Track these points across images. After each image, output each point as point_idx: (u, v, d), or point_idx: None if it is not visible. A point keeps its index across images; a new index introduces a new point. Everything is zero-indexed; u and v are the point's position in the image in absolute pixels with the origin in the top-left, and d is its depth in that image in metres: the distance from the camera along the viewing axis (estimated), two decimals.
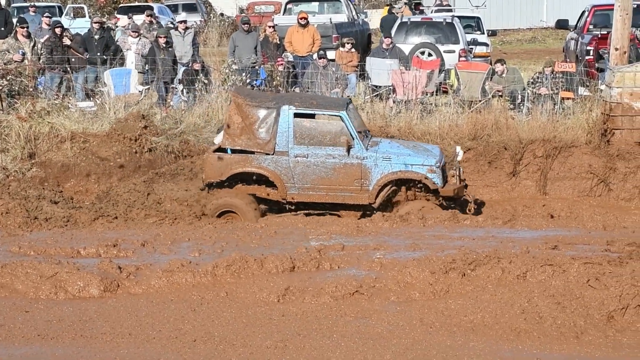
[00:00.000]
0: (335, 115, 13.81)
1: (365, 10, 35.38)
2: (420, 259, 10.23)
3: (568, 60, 23.13)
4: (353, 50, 20.90)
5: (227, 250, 10.78)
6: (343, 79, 19.16)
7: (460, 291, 9.60)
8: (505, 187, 16.08)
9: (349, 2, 27.74)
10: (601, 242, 11.21)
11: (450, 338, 8.72)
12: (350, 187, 13.68)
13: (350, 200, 13.72)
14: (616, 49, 17.60)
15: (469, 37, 25.33)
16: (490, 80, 19.36)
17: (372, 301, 9.50)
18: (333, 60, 20.37)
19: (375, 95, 18.97)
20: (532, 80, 19.35)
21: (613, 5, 17.79)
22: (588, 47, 22.08)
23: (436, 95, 19.14)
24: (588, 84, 19.56)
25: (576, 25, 25.47)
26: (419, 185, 13.89)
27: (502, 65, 19.57)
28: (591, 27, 23.71)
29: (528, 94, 18.93)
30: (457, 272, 9.84)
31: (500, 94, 19.01)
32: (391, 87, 19.30)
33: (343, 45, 20.91)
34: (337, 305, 9.42)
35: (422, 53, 22.31)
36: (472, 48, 24.51)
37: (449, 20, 23.85)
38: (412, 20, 24.36)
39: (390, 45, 20.70)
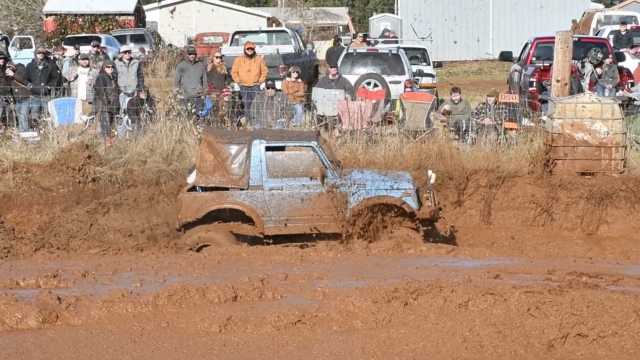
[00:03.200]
0: (306, 146, 13.88)
1: (313, 42, 35.56)
2: (363, 288, 10.20)
3: (512, 91, 23.38)
4: (299, 80, 20.96)
5: (169, 280, 10.67)
6: (289, 109, 19.20)
7: (402, 320, 9.59)
8: (450, 217, 16.17)
9: (296, 33, 27.87)
10: (542, 271, 11.27)
11: None
12: (327, 216, 13.70)
13: (327, 229, 13.72)
14: (558, 81, 17.88)
15: (415, 68, 25.53)
16: (444, 108, 19.52)
17: (314, 331, 9.46)
18: (280, 90, 20.41)
19: (320, 125, 19.02)
20: (476, 111, 19.53)
21: (554, 38, 18.08)
22: (531, 79, 22.36)
23: (381, 125, 19.23)
24: (531, 114, 19.78)
25: (520, 57, 25.79)
26: (394, 210, 13.94)
27: (459, 94, 19.75)
28: (534, 59, 24.01)
29: (472, 124, 19.10)
30: (400, 301, 9.83)
31: (444, 124, 19.16)
32: (337, 117, 19.35)
33: (289, 75, 20.96)
34: (279, 335, 9.36)
35: (368, 83, 22.43)
36: (418, 79, 24.70)
37: (395, 52, 24.02)
38: (358, 51, 24.49)
39: (336, 76, 20.80)
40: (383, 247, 12.95)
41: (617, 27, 30.84)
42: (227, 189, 13.73)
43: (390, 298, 9.87)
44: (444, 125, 19.08)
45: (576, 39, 22.22)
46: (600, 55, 21.57)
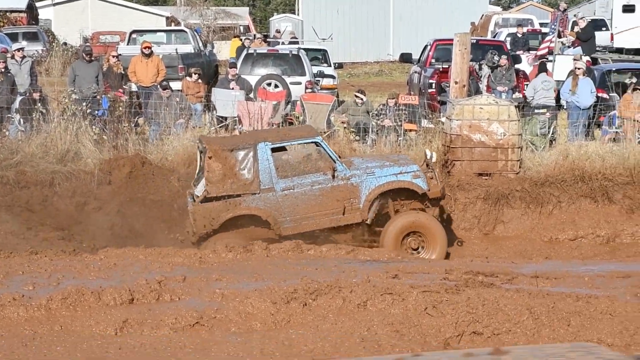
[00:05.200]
0: (311, 142, 13.92)
1: (213, 42, 35.35)
2: (263, 290, 10.15)
3: (412, 92, 23.61)
4: (200, 80, 20.80)
5: (63, 283, 10.43)
6: (188, 109, 19.02)
7: (301, 321, 9.57)
8: None
9: (195, 33, 27.66)
10: (440, 271, 11.38)
11: None
12: (341, 208, 13.76)
13: (343, 221, 13.79)
14: (456, 83, 18.09)
15: (316, 69, 25.58)
16: (348, 109, 19.57)
17: (212, 332, 9.37)
18: (180, 90, 20.21)
19: (220, 126, 18.88)
20: (376, 112, 19.63)
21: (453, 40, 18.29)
22: (430, 81, 22.61)
23: (282, 126, 19.17)
24: (430, 116, 19.98)
25: (419, 59, 26.06)
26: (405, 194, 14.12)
27: (364, 95, 19.82)
28: (433, 61, 24.30)
29: (373, 125, 19.19)
30: (299, 302, 9.81)
31: (345, 125, 19.22)
32: (237, 118, 19.25)
33: (190, 76, 20.78)
34: (177, 337, 9.24)
35: (269, 84, 22.37)
36: (318, 80, 24.74)
37: (295, 52, 24.02)
38: (258, 51, 24.43)
39: (236, 76, 20.68)
40: (283, 248, 12.90)
41: (514, 30, 31.45)
42: (238, 195, 13.62)
43: (290, 299, 9.84)
44: (345, 127, 19.14)
45: (474, 41, 22.56)
46: (497, 58, 21.92)
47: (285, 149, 14.08)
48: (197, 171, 14.57)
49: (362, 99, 19.60)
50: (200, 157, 14.34)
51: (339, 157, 14.62)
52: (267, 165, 13.65)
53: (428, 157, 14.72)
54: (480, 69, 22.25)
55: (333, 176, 13.80)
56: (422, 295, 9.76)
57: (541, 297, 9.77)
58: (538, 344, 8.93)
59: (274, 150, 13.81)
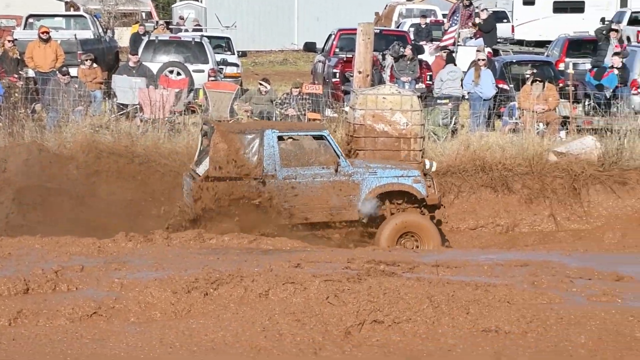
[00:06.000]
0: (318, 135, 14.06)
1: (114, 28, 34.82)
2: (163, 279, 10.03)
3: (315, 82, 23.64)
4: (95, 66, 20.49)
5: None
6: (87, 96, 18.71)
7: (202, 310, 9.49)
8: None
9: (95, 18, 27.22)
10: (342, 260, 11.39)
11: (190, 358, 8.58)
12: (340, 204, 13.90)
13: (340, 217, 13.91)
14: (359, 72, 18.13)
15: (219, 57, 25.43)
16: (251, 98, 19.48)
17: (111, 322, 9.21)
18: (76, 77, 19.86)
19: (121, 114, 18.62)
20: (280, 101, 19.59)
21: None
22: (334, 70, 22.68)
23: (184, 114, 19.03)
24: (334, 105, 20.03)
25: (323, 48, 26.09)
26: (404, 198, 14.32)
27: (268, 84, 19.74)
28: (337, 50, 24.37)
29: (276, 114, 19.15)
30: (200, 291, 9.72)
31: (248, 114, 19.15)
32: (138, 106, 19.00)
33: (83, 63, 20.44)
34: (74, 328, 9.05)
35: (171, 72, 22.20)
36: (222, 68, 24.61)
37: (198, 40, 23.84)
38: (160, 38, 24.16)
39: (138, 63, 20.41)
40: (184, 238, 12.81)
41: (417, 21, 31.73)
42: (240, 179, 13.67)
43: (191, 288, 9.75)
44: (248, 115, 19.08)
45: (378, 31, 22.67)
46: (402, 50, 22.07)
47: (292, 139, 14.25)
48: (197, 153, 14.67)
49: (266, 88, 19.55)
50: (203, 140, 14.50)
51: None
52: (272, 152, 13.80)
53: (427, 166, 14.91)
54: (383, 59, 22.37)
55: (336, 170, 13.97)
56: (324, 284, 9.74)
57: (441, 285, 9.86)
58: (437, 331, 9.03)
59: (280, 138, 13.98)
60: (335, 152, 14.09)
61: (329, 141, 14.13)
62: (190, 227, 13.56)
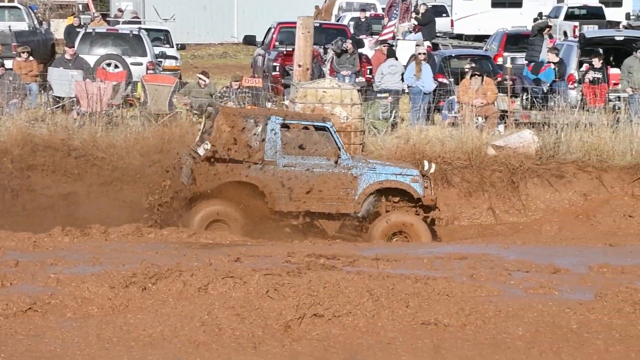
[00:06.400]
0: (321, 126, 14.08)
1: (50, 20, 34.33)
2: (100, 274, 9.94)
3: (255, 75, 23.53)
4: (31, 58, 20.18)
5: None
6: (22, 88, 18.42)
7: (140, 305, 9.43)
8: None
9: (30, 10, 26.82)
10: (282, 254, 11.41)
11: (128, 353, 8.54)
12: (337, 196, 13.98)
13: (335, 209, 13.98)
14: (299, 66, 18.09)
15: (158, 50, 25.22)
16: (190, 91, 19.32)
17: (46, 318, 9.13)
18: (10, 69, 19.53)
19: (57, 107, 18.36)
20: (219, 95, 19.47)
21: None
22: (274, 63, 22.60)
23: (122, 107, 18.83)
24: (274, 99, 19.97)
25: (263, 41, 25.99)
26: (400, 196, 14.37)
27: (207, 77, 19.60)
28: (277, 43, 24.28)
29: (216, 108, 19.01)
30: (138, 286, 9.67)
31: (187, 107, 19.01)
32: (75, 99, 18.76)
33: (19, 55, 20.12)
34: (8, 324, 8.95)
35: (108, 65, 21.96)
36: (160, 61, 24.41)
37: (136, 32, 23.61)
38: (97, 30, 23.88)
39: (74, 56, 20.15)
40: (122, 232, 12.73)
41: (357, 14, 31.75)
42: (241, 162, 13.70)
43: (128, 283, 9.69)
44: (187, 109, 18.96)
45: (317, 24, 22.65)
46: (345, 46, 22.08)
47: (295, 128, 14.21)
48: (199, 134, 14.66)
49: (205, 81, 19.42)
50: (206, 121, 14.59)
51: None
52: (274, 138, 13.92)
53: (426, 168, 14.92)
54: (325, 52, 22.36)
55: (336, 162, 14.04)
56: (263, 278, 9.73)
57: (381, 279, 9.90)
58: (377, 324, 9.05)
59: (284, 125, 14.05)
60: (336, 144, 14.18)
61: (331, 133, 14.21)
62: (185, 208, 13.69)
